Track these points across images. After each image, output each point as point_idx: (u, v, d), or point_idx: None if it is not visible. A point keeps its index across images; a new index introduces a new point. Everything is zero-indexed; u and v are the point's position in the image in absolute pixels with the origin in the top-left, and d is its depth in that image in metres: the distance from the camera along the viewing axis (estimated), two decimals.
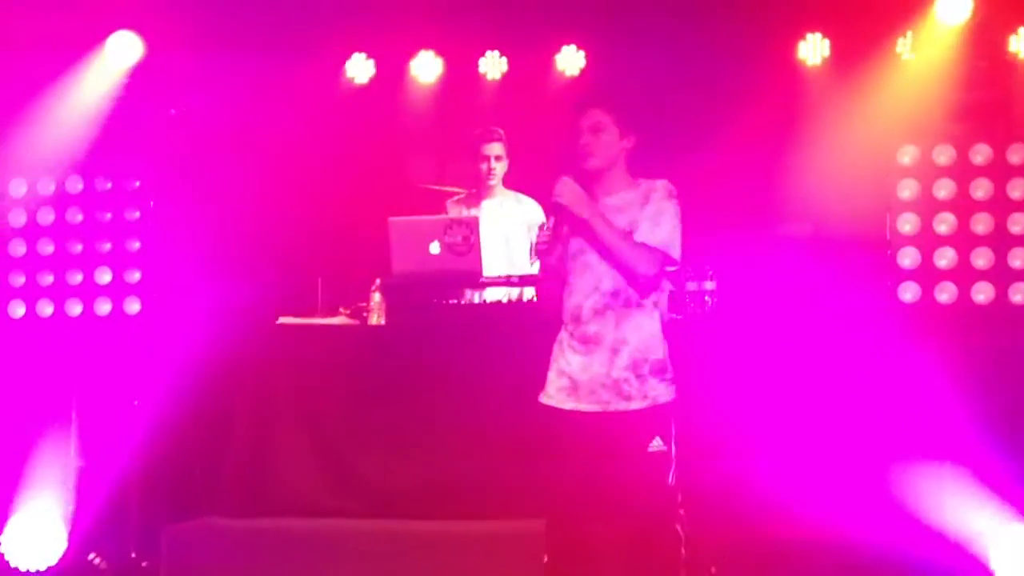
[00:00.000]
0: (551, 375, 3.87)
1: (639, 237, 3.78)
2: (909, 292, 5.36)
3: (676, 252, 3.84)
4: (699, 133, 6.24)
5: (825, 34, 6.27)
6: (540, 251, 3.83)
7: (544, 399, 3.87)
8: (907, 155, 5.44)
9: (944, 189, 5.39)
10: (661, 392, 3.79)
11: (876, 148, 5.62)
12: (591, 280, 3.79)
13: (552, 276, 3.87)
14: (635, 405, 3.75)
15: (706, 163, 6.18)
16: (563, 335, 3.87)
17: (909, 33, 6.01)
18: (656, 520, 3.77)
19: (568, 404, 3.81)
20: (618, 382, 3.75)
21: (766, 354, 5.03)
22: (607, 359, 3.76)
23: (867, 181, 5.64)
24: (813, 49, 6.28)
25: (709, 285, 5.33)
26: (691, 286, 5.36)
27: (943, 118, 5.63)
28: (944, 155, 5.40)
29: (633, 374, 3.75)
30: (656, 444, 3.75)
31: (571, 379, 3.80)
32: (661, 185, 3.88)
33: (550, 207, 3.83)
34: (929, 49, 5.95)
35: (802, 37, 6.29)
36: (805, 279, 5.82)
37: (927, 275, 5.35)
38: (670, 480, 3.78)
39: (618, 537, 3.81)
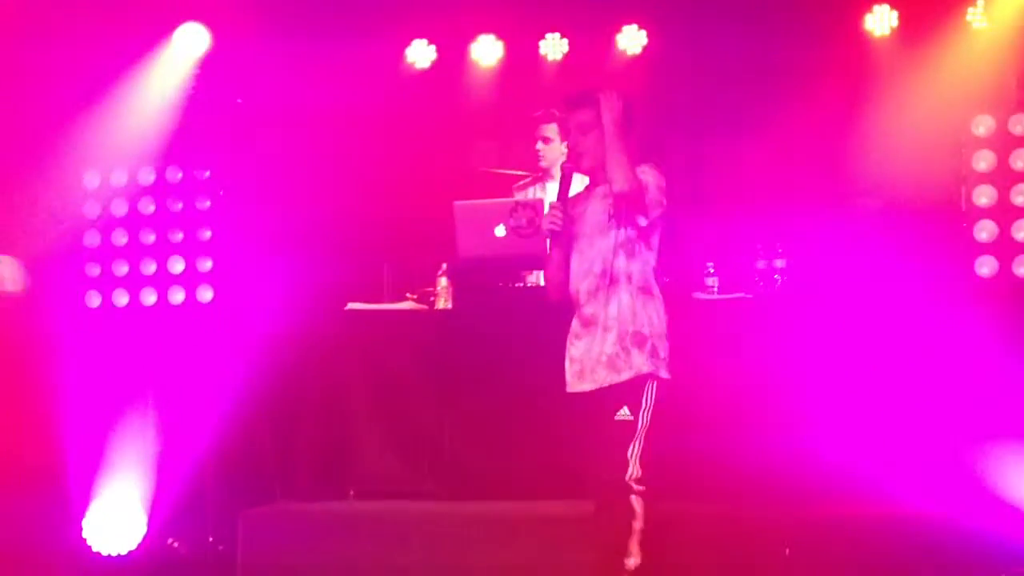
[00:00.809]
0: (566, 364, 4.04)
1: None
2: (986, 266, 5.25)
3: (654, 196, 3.96)
4: (765, 109, 6.14)
5: (892, 5, 6.13)
6: (551, 228, 4.01)
7: (568, 388, 4.04)
8: (982, 125, 5.32)
9: (1022, 160, 5.26)
10: (642, 363, 3.91)
11: (949, 119, 5.50)
12: (585, 264, 4.00)
13: (561, 259, 4.05)
14: (624, 376, 3.91)
15: (774, 139, 6.11)
16: (573, 322, 4.04)
17: (980, 1, 5.86)
18: (615, 491, 3.88)
19: (577, 387, 4.00)
20: (612, 357, 3.93)
21: (838, 332, 4.97)
22: (601, 337, 3.94)
23: (940, 153, 5.52)
24: (880, 20, 6.16)
25: (779, 263, 5.27)
26: (761, 264, 5.31)
27: (1018, 87, 5.48)
28: (1021, 125, 5.28)
29: (620, 347, 3.92)
30: (623, 413, 3.88)
31: (580, 364, 3.99)
32: (645, 167, 4.02)
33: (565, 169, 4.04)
34: (1002, 17, 5.79)
35: (869, 8, 6.17)
36: (878, 255, 5.71)
37: (1005, 248, 5.23)
38: (629, 452, 3.87)
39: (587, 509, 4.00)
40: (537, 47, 6.53)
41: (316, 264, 6.03)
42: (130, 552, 5.35)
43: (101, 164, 5.72)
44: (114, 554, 5.34)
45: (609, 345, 3.91)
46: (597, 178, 4.04)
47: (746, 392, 4.83)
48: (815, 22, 6.10)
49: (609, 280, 3.94)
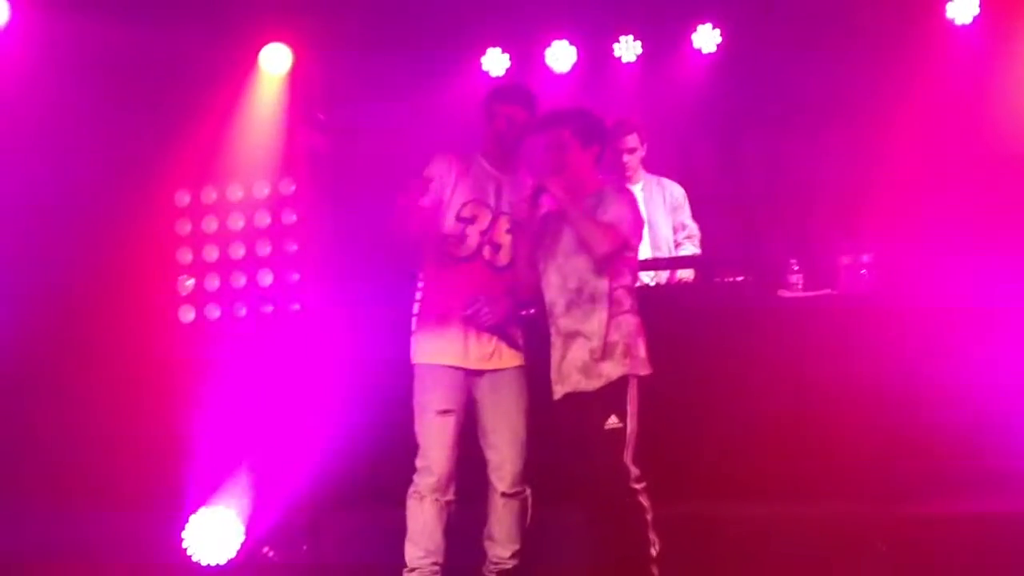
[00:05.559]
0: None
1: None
2: None
3: (626, 229, 4.21)
4: (845, 101, 6.08)
5: None
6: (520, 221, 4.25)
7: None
8: None
9: None
10: (612, 370, 4.13)
11: None
12: (560, 278, 4.23)
13: (527, 257, 4.30)
14: (595, 384, 4.14)
15: (854, 131, 6.03)
16: (551, 332, 4.27)
17: None
18: (624, 497, 4.07)
19: (558, 392, 4.22)
20: (587, 363, 4.15)
21: (925, 330, 4.87)
22: (581, 345, 4.17)
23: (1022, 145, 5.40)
24: (963, 8, 6.05)
25: (865, 257, 5.19)
26: (846, 260, 5.23)
27: None
28: None
29: (592, 359, 4.15)
30: (612, 422, 4.09)
31: (558, 371, 4.22)
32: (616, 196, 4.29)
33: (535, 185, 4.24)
34: None
35: None
36: (968, 252, 5.59)
37: None
38: (625, 457, 4.07)
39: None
40: (611, 50, 6.54)
41: (396, 274, 6.09)
42: (229, 562, 5.45)
43: (192, 183, 5.89)
44: (213, 564, 5.44)
45: (586, 353, 4.16)
46: (576, 193, 4.22)
47: (837, 388, 4.77)
48: (896, 10, 6.02)
49: (588, 298, 4.17)
